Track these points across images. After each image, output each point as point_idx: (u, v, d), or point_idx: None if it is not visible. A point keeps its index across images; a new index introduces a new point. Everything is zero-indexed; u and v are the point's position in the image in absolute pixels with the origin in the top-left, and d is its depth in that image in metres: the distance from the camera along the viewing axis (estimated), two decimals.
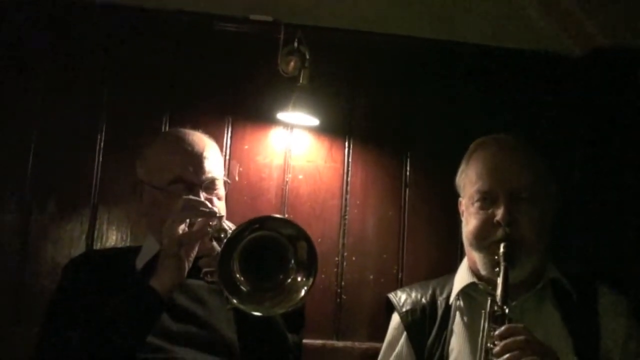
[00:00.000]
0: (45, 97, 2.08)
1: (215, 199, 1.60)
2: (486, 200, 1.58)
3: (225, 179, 1.67)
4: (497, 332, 1.35)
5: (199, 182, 1.58)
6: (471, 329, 1.57)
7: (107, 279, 1.54)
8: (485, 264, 1.57)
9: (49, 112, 2.08)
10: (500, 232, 1.53)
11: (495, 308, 1.41)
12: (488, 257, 1.55)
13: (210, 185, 1.60)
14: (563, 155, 2.20)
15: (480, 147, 1.68)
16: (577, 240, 2.12)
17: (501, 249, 1.49)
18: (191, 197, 1.50)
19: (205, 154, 1.62)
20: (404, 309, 1.69)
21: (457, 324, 1.61)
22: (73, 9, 2.12)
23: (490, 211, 1.56)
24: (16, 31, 2.08)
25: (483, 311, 1.44)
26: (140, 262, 1.61)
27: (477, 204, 1.59)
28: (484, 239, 1.57)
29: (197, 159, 1.59)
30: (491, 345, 1.36)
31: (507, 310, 1.40)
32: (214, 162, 1.63)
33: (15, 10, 2.09)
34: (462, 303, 1.64)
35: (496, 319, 1.40)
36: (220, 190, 1.64)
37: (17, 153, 2.04)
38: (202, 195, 1.56)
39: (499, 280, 1.45)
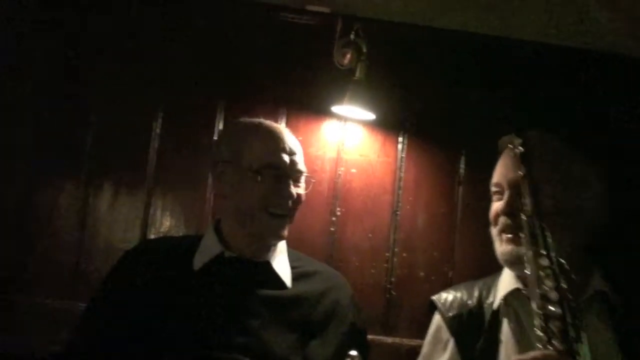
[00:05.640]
0: (105, 83, 2.12)
1: (301, 193, 1.62)
2: (496, 193, 1.62)
3: (310, 176, 1.67)
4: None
5: (292, 172, 1.59)
6: (517, 338, 1.50)
7: (163, 276, 1.52)
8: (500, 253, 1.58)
9: (107, 98, 2.12)
10: (501, 220, 1.56)
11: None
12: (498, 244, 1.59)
13: (298, 179, 1.62)
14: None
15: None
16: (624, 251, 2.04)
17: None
18: None
19: (297, 148, 1.63)
20: (449, 314, 1.62)
21: (505, 333, 1.54)
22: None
23: (498, 204, 1.61)
24: (78, 18, 2.13)
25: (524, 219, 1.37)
26: (198, 262, 1.56)
27: (493, 197, 1.64)
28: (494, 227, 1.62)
29: (291, 151, 1.60)
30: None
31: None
32: (301, 157, 1.64)
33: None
34: (508, 310, 1.57)
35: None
36: (303, 185, 1.64)
37: (76, 137, 2.09)
38: (292, 187, 1.58)
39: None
